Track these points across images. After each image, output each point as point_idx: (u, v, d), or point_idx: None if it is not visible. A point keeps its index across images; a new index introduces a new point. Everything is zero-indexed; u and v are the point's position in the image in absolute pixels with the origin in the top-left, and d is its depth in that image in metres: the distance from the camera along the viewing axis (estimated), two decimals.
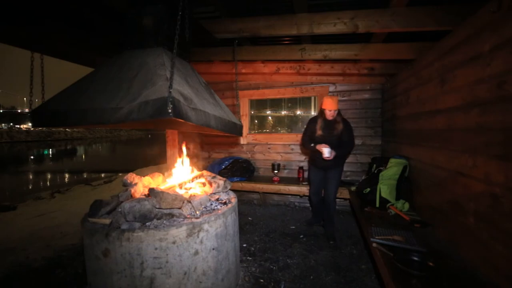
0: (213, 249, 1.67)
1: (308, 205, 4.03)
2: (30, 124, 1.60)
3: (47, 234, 3.07)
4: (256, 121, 4.80)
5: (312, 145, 2.73)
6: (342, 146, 2.72)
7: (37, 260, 2.46)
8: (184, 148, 2.39)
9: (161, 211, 1.67)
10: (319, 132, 2.74)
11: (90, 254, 1.56)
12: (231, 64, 3.65)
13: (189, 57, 2.10)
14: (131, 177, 2.02)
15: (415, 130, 2.51)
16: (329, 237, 2.83)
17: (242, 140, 4.33)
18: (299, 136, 4.08)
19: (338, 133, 2.71)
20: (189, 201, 1.75)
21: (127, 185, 1.96)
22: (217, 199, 2.02)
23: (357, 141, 3.82)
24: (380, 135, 3.75)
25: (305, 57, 2.95)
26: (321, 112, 2.74)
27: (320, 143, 2.69)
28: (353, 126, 3.78)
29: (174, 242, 1.50)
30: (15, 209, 4.32)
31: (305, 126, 2.92)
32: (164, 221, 1.60)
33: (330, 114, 2.66)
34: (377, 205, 2.51)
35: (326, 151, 2.58)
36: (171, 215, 1.65)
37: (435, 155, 2.07)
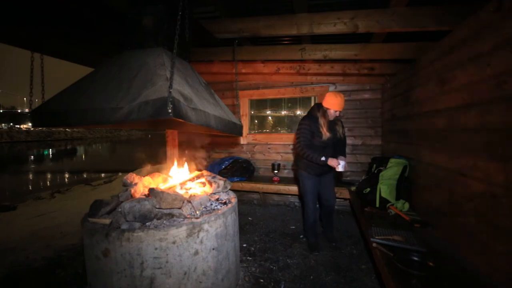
0: (213, 249, 1.67)
1: None
2: (30, 124, 1.60)
3: (47, 234, 3.07)
4: (256, 121, 4.80)
5: (323, 159, 2.28)
6: (344, 149, 2.54)
7: (37, 260, 2.46)
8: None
9: (161, 211, 1.67)
10: (326, 135, 2.35)
11: (90, 254, 1.56)
12: (231, 64, 3.65)
13: (189, 57, 2.10)
14: (131, 177, 2.02)
15: (415, 130, 2.51)
16: (331, 240, 2.75)
17: (242, 140, 4.33)
18: None
19: (340, 135, 2.49)
20: (189, 201, 1.75)
21: (127, 185, 1.96)
22: (217, 199, 2.02)
23: (357, 141, 3.83)
24: (380, 135, 3.75)
25: (305, 57, 2.94)
26: (323, 112, 2.36)
27: (322, 148, 2.37)
28: (353, 126, 3.83)
29: (174, 242, 1.50)
30: (15, 209, 4.32)
31: (300, 129, 2.41)
32: (164, 221, 1.60)
33: (335, 114, 2.36)
34: (377, 205, 2.51)
35: (342, 165, 2.29)
36: (171, 215, 1.65)
37: (435, 155, 2.07)
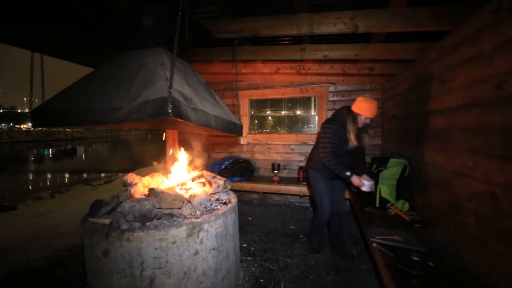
0: (213, 249, 1.67)
1: (309, 205, 4.04)
2: (30, 124, 1.60)
3: (47, 234, 3.07)
4: (256, 121, 4.80)
5: (348, 174, 2.11)
6: (364, 158, 2.38)
7: (37, 260, 2.46)
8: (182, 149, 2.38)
9: (161, 211, 1.67)
10: (354, 143, 2.15)
11: (90, 254, 1.56)
12: (231, 64, 3.65)
13: (189, 57, 2.10)
14: (131, 177, 2.02)
15: (415, 130, 2.51)
16: (347, 256, 2.43)
17: (242, 140, 4.33)
18: (299, 136, 4.09)
19: (365, 143, 2.30)
20: (189, 201, 1.75)
21: (127, 185, 1.96)
22: (217, 199, 2.02)
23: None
24: (380, 135, 3.75)
25: (305, 57, 2.94)
26: (353, 117, 2.16)
27: (342, 155, 2.21)
28: None
29: (174, 242, 1.50)
30: (15, 209, 4.32)
31: (326, 133, 2.20)
32: (164, 221, 1.60)
33: (365, 121, 2.17)
34: (377, 205, 2.51)
35: (368, 186, 2.14)
36: (171, 215, 1.65)
37: (435, 155, 2.07)
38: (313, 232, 2.62)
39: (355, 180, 2.15)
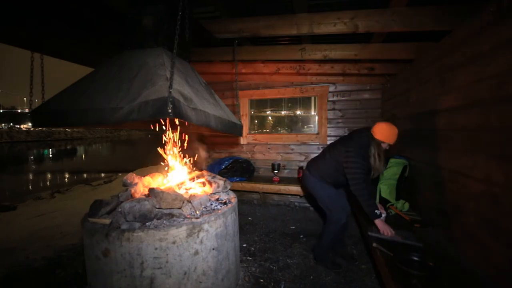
0: (213, 249, 1.67)
1: (309, 205, 4.04)
2: (30, 124, 1.60)
3: (47, 234, 3.07)
4: (256, 121, 4.79)
5: (378, 212, 1.96)
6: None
7: (37, 260, 2.46)
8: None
9: (161, 211, 1.68)
10: (379, 171, 2.11)
11: (90, 254, 1.56)
12: (231, 64, 3.65)
13: (189, 57, 2.10)
14: (131, 177, 2.02)
15: (415, 130, 2.51)
16: (347, 256, 2.42)
17: (242, 140, 4.33)
18: (299, 136, 4.09)
19: (382, 169, 2.20)
20: (189, 201, 1.75)
21: (127, 185, 1.96)
22: (217, 199, 2.02)
23: None
24: None
25: (305, 57, 2.94)
26: (377, 144, 2.05)
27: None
28: (353, 126, 3.82)
29: (174, 242, 1.50)
30: (15, 209, 4.32)
31: (354, 157, 2.05)
32: (164, 221, 1.60)
33: (386, 148, 2.10)
34: None
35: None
36: (171, 215, 1.65)
37: (435, 155, 2.07)
38: (323, 245, 2.34)
39: (381, 225, 1.95)
